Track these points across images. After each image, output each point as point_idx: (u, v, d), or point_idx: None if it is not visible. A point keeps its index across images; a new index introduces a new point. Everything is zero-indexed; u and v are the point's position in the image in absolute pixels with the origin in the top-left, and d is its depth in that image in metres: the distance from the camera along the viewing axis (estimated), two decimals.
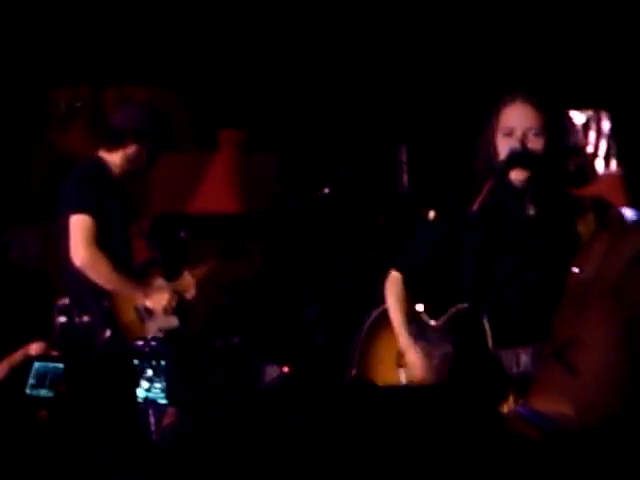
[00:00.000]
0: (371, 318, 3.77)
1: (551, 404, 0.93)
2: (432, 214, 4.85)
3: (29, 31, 5.98)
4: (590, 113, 6.49)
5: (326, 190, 6.20)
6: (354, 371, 3.73)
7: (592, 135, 6.50)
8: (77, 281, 4.52)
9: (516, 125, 3.43)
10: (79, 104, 6.14)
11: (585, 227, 3.37)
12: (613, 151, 6.47)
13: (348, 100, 6.36)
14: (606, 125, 6.50)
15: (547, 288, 3.27)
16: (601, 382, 0.89)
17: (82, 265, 4.48)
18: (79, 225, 4.48)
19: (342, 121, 6.40)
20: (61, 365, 3.61)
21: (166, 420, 4.26)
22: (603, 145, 6.50)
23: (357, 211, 6.28)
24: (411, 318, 3.61)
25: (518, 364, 3.26)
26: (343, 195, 6.23)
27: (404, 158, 6.47)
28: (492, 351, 3.25)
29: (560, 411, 0.92)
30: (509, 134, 3.44)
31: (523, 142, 3.41)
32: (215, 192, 6.48)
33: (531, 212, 3.45)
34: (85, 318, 4.49)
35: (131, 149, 4.70)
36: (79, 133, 6.23)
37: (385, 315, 3.68)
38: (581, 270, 0.99)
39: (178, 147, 5.90)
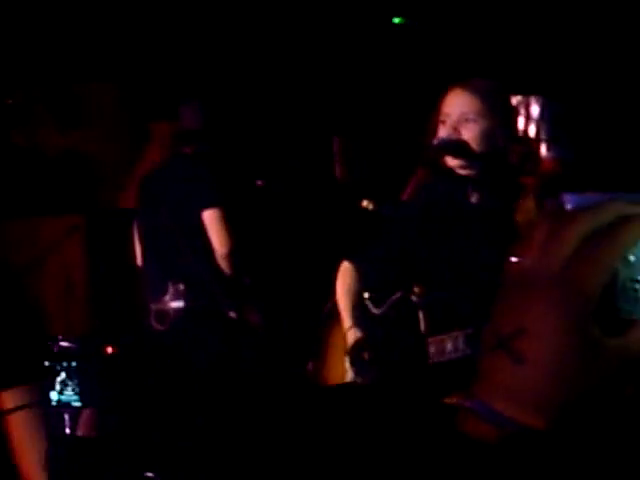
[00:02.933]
0: (328, 309, 3.77)
1: (503, 400, 0.89)
2: (366, 203, 4.86)
3: None
4: (519, 98, 6.52)
5: (259, 182, 6.18)
6: (310, 365, 3.74)
7: (521, 120, 6.54)
8: (198, 267, 4.96)
9: (450, 111, 3.36)
10: (9, 101, 6.09)
11: (522, 215, 3.30)
12: (543, 136, 6.51)
13: (280, 91, 6.35)
14: (535, 110, 6.54)
15: (484, 274, 3.22)
16: (551, 370, 0.86)
17: (231, 252, 5.02)
18: (219, 217, 5.07)
19: (274, 114, 6.38)
20: None
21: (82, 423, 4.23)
22: (532, 130, 6.54)
23: (294, 203, 6.27)
24: (358, 306, 3.62)
25: (456, 349, 3.22)
26: (278, 187, 6.22)
27: (337, 149, 6.46)
28: (423, 339, 3.22)
29: (515, 407, 0.88)
30: (444, 121, 3.37)
31: (456, 128, 3.33)
32: None
33: (473, 200, 3.43)
34: (202, 302, 4.91)
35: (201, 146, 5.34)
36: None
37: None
38: (521, 259, 0.94)
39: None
